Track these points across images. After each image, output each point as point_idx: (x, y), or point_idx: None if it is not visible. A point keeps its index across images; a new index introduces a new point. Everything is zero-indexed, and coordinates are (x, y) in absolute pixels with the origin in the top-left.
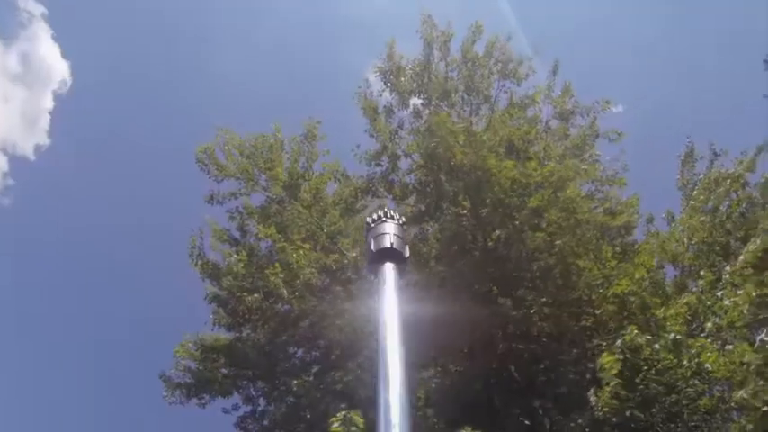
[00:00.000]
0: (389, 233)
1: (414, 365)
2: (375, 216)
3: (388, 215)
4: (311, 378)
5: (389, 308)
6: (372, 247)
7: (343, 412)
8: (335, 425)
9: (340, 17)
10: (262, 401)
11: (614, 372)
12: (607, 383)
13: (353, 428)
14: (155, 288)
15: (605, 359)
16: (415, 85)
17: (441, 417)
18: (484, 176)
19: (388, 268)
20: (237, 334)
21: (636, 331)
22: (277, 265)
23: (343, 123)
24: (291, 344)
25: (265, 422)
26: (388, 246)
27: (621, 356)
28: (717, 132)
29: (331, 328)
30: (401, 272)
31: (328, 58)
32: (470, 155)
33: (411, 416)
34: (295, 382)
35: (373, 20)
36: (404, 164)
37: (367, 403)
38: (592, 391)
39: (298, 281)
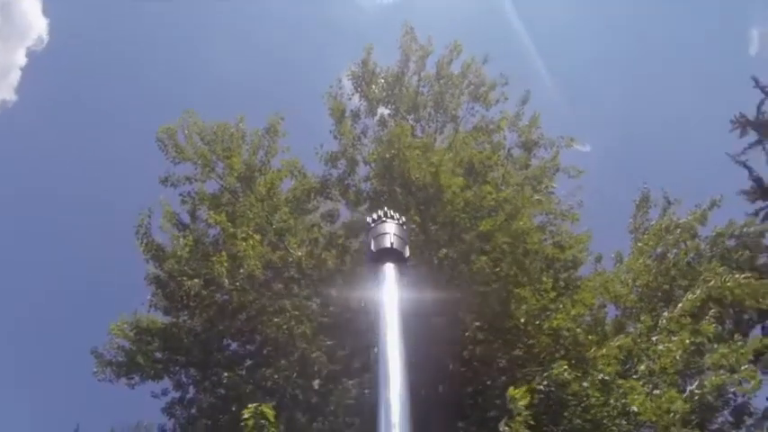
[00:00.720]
0: (390, 233)
1: (346, 373)
2: (375, 216)
3: (388, 215)
4: (243, 372)
5: (390, 308)
6: (372, 247)
7: (254, 405)
8: (246, 416)
9: (336, 18)
10: (192, 389)
11: (524, 403)
12: (518, 414)
13: (263, 422)
14: (96, 261)
15: (512, 392)
16: (385, 94)
17: (364, 426)
18: (437, 194)
19: (389, 268)
20: (174, 319)
21: (565, 367)
22: (223, 253)
23: (317, 123)
24: (227, 335)
25: (193, 410)
26: (389, 245)
27: (546, 390)
28: (680, 182)
29: (268, 325)
30: (401, 272)
31: (314, 57)
32: (426, 170)
33: (412, 416)
34: (226, 374)
35: (369, 24)
36: (363, 171)
37: (293, 403)
38: (503, 422)
39: (241, 271)
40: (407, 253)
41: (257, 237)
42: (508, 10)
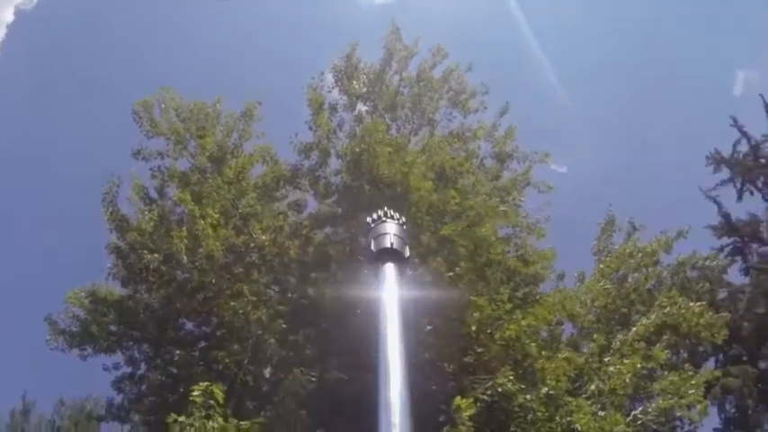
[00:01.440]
0: (390, 233)
1: (299, 362)
2: (375, 216)
3: (389, 215)
4: (196, 353)
5: (390, 307)
6: (372, 247)
7: (205, 383)
8: (196, 393)
9: (331, 15)
10: (143, 366)
11: (468, 413)
12: (462, 423)
13: (212, 402)
14: (59, 226)
15: (459, 401)
16: (365, 90)
17: (313, 416)
18: (404, 193)
19: (389, 268)
20: (132, 292)
21: (510, 378)
22: (184, 229)
23: (296, 113)
24: (183, 314)
25: (143, 387)
26: (389, 245)
27: (490, 400)
28: (654, 210)
29: (225, 307)
30: (401, 271)
31: (301, 49)
32: (397, 168)
33: (411, 414)
34: (178, 352)
35: (364, 22)
36: (335, 164)
37: (244, 389)
38: (446, 429)
39: (200, 251)
40: (407, 253)
41: (216, 216)
42: (515, 19)
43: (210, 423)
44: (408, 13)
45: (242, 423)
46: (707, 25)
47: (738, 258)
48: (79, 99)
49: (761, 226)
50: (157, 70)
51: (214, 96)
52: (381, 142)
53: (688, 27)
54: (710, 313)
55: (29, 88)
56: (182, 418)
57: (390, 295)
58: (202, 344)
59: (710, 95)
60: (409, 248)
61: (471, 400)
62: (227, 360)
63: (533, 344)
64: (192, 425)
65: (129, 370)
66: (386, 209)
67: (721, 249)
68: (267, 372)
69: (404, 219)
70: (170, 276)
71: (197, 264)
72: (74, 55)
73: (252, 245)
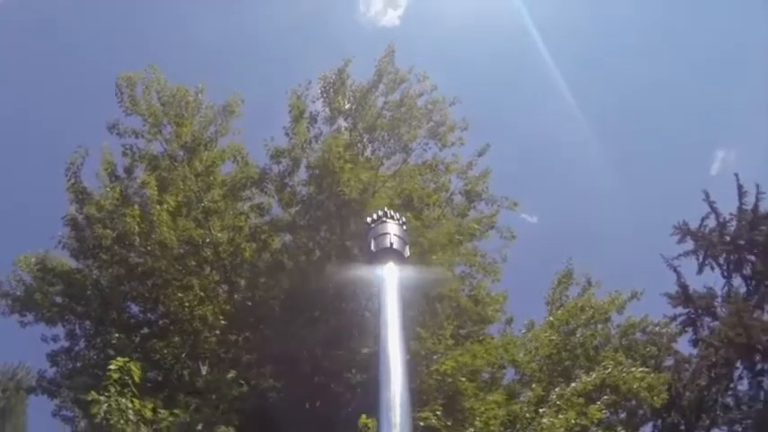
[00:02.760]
0: (390, 233)
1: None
2: (375, 216)
3: (389, 215)
4: (137, 339)
5: (390, 308)
6: (373, 247)
7: (124, 359)
8: (113, 368)
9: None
10: (82, 343)
11: None
12: None
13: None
14: (19, 191)
15: (364, 420)
16: (348, 106)
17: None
18: (360, 211)
19: (389, 268)
20: (81, 267)
21: (437, 413)
22: (137, 207)
23: (277, 119)
24: (130, 297)
25: (78, 364)
26: (389, 246)
27: None
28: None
29: (172, 298)
30: (401, 272)
31: (294, 59)
32: (353, 186)
33: (411, 415)
34: (117, 335)
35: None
36: (304, 174)
37: (178, 382)
38: None
39: (153, 236)
40: (407, 253)
41: (174, 204)
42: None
43: (124, 401)
44: (414, 38)
45: (161, 411)
46: (690, 102)
47: (690, 329)
48: (64, 60)
49: (715, 301)
50: (148, 50)
51: (190, 77)
52: (341, 157)
53: (672, 101)
54: (652, 375)
55: (12, 51)
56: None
57: (391, 295)
58: (144, 330)
59: (687, 170)
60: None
61: (376, 419)
62: (165, 351)
63: (469, 383)
64: (106, 401)
65: (66, 344)
66: (386, 209)
67: (674, 318)
68: (204, 369)
69: (404, 219)
70: (122, 257)
71: (149, 249)
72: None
73: (208, 240)
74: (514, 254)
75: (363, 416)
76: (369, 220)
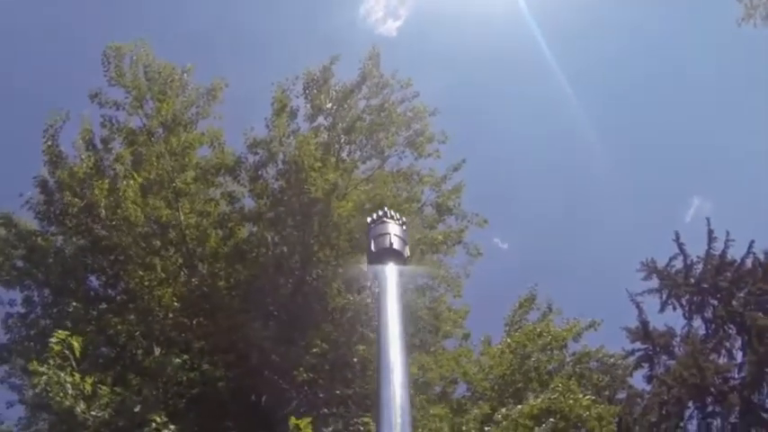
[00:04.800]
0: (390, 233)
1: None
2: (375, 216)
3: (389, 215)
4: (94, 312)
5: (390, 308)
6: (373, 247)
7: (64, 333)
8: (54, 341)
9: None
10: (39, 310)
11: None
12: None
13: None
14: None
15: (294, 420)
16: (329, 105)
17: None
18: (325, 211)
19: (389, 268)
20: (46, 231)
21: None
22: (105, 180)
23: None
24: (91, 271)
25: (32, 331)
26: (388, 246)
27: None
28: (579, 299)
29: (133, 276)
30: (401, 272)
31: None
32: (320, 186)
33: (411, 415)
34: (75, 304)
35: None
36: (278, 168)
37: (130, 361)
38: None
39: (119, 211)
40: (407, 253)
41: (140, 180)
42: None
43: (63, 374)
44: (408, 51)
45: (100, 387)
46: (671, 148)
47: (646, 365)
48: (54, 28)
49: (674, 340)
50: (143, 26)
51: (183, 63)
52: (310, 155)
53: (655, 145)
54: (602, 406)
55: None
56: (42, 368)
57: (391, 295)
58: (103, 305)
59: (663, 213)
60: (316, 267)
61: (308, 420)
62: (120, 327)
63: (420, 394)
64: (45, 373)
65: (22, 311)
66: (386, 209)
67: (632, 352)
68: (157, 350)
69: (404, 219)
70: (87, 228)
71: (115, 223)
72: None
73: (176, 222)
74: (481, 274)
75: (293, 418)
76: (369, 220)
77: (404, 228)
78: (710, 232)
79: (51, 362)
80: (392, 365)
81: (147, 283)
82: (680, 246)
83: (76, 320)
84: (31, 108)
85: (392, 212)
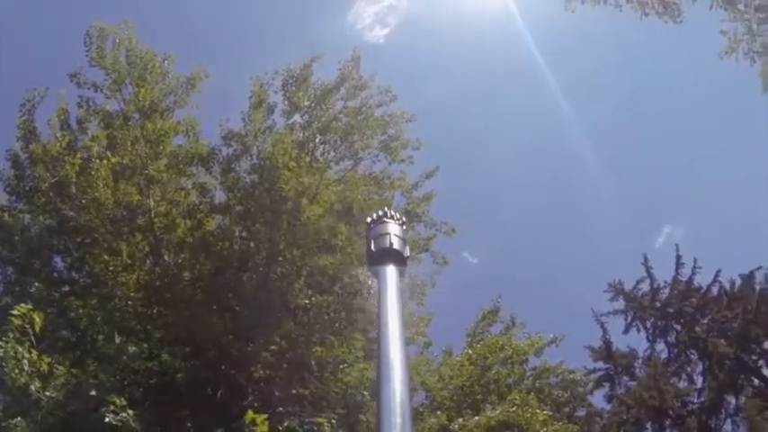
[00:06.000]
0: (390, 233)
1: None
2: (375, 216)
3: (389, 215)
4: (56, 294)
5: (390, 308)
6: (372, 248)
7: (27, 306)
8: (15, 314)
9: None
10: (1, 287)
11: (263, 430)
12: None
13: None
14: None
15: (251, 416)
16: (307, 104)
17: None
18: (295, 210)
19: (389, 268)
20: (13, 207)
21: (332, 421)
22: (77, 156)
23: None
24: (57, 251)
25: None
26: (388, 246)
27: None
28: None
29: (99, 260)
30: (401, 272)
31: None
32: (292, 187)
33: (411, 416)
34: (37, 284)
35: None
36: (251, 162)
37: (91, 346)
38: None
39: (88, 191)
40: (407, 253)
41: (114, 162)
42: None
43: (21, 349)
44: (394, 59)
45: (57, 367)
46: (643, 173)
47: (607, 385)
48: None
49: (636, 362)
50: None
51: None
52: (285, 153)
53: (625, 172)
54: (560, 423)
55: None
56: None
57: (390, 296)
58: (66, 288)
59: (633, 238)
60: (281, 265)
61: (264, 417)
62: (81, 311)
63: (373, 401)
64: (2, 347)
65: None
66: (386, 209)
67: (593, 371)
68: (118, 338)
69: (404, 218)
70: (55, 207)
71: (84, 203)
72: None
73: (145, 209)
74: (448, 286)
75: (250, 411)
76: (369, 220)
77: (404, 228)
78: (678, 258)
79: (11, 335)
80: (392, 363)
81: (111, 269)
82: (648, 269)
83: (38, 301)
84: (7, 84)
85: (392, 212)
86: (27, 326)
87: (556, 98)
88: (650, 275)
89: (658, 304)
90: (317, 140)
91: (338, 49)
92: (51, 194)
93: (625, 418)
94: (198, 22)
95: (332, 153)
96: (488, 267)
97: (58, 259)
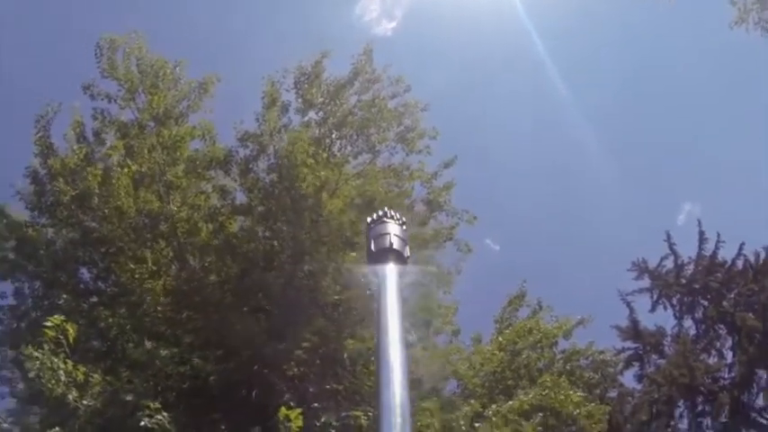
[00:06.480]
0: (390, 233)
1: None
2: (375, 216)
3: (389, 215)
4: (85, 306)
5: (391, 308)
6: (372, 247)
7: (59, 318)
8: (49, 325)
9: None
10: (30, 303)
11: (297, 425)
12: None
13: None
14: None
15: (285, 411)
16: (321, 100)
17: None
18: (315, 208)
19: (389, 268)
20: (37, 223)
21: (369, 415)
22: (99, 166)
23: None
24: (82, 263)
25: (22, 324)
26: (388, 246)
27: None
28: (572, 299)
29: (124, 269)
30: (401, 272)
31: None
32: (311, 183)
33: (411, 416)
34: (65, 297)
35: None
36: (269, 162)
37: (122, 355)
38: None
39: (111, 200)
40: (407, 253)
41: (134, 169)
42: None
43: (57, 360)
44: (403, 51)
45: (92, 375)
46: (661, 152)
47: (636, 364)
48: (45, 21)
49: (664, 340)
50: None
51: (176, 57)
52: (303, 152)
53: (646, 148)
54: (593, 404)
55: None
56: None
57: (390, 296)
58: (93, 299)
59: (653, 216)
60: (308, 264)
61: (299, 411)
62: (111, 320)
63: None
64: (39, 358)
65: (13, 302)
66: (386, 208)
67: (623, 351)
68: (148, 344)
69: (404, 218)
70: (78, 219)
71: (106, 214)
72: None
73: (167, 215)
74: (472, 274)
75: (283, 408)
76: (369, 219)
77: (404, 228)
78: (701, 233)
79: (46, 347)
80: (392, 365)
81: (137, 276)
82: (671, 246)
83: (67, 313)
84: (22, 100)
85: (392, 212)
86: (61, 337)
87: (563, 80)
88: (674, 252)
89: (684, 281)
90: (333, 136)
91: (347, 44)
92: (73, 207)
93: (656, 396)
94: (201, 23)
95: (349, 148)
96: (512, 253)
97: (83, 271)
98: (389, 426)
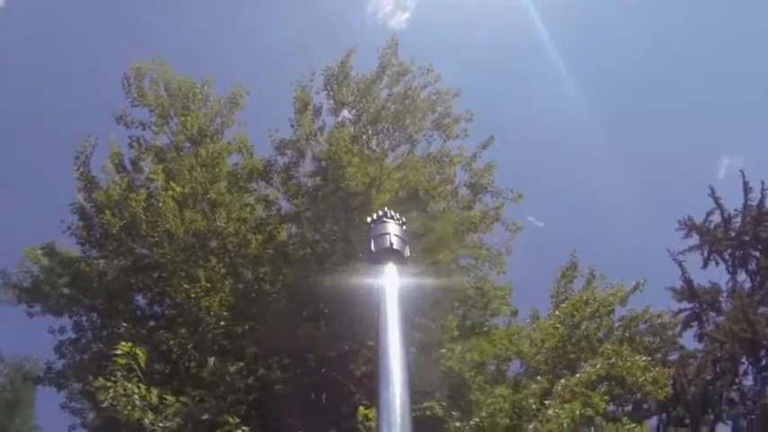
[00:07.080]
0: (390, 233)
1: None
2: (375, 216)
3: (389, 215)
4: (144, 331)
5: (390, 308)
6: (373, 248)
7: (130, 344)
8: (119, 353)
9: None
10: (90, 334)
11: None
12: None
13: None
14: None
15: (363, 411)
16: (352, 98)
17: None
18: (364, 204)
19: (389, 269)
20: (88, 256)
21: (443, 404)
22: (143, 192)
23: (282, 111)
24: (136, 290)
25: (85, 356)
26: (389, 246)
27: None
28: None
29: (179, 290)
30: (402, 272)
31: (299, 54)
32: (359, 180)
33: (410, 416)
34: (126, 325)
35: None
36: (309, 166)
37: (185, 374)
38: None
39: (159, 225)
40: (408, 253)
41: (179, 190)
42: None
43: (130, 385)
44: (421, 41)
45: (166, 397)
46: (697, 108)
47: (695, 324)
48: (74, 51)
49: (720, 296)
50: (156, 45)
51: (200, 74)
52: (347, 151)
53: (681, 105)
54: (657, 368)
55: (29, 36)
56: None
57: (390, 297)
58: (152, 323)
59: (694, 172)
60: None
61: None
62: (172, 342)
63: (475, 376)
64: (112, 387)
65: (74, 336)
66: (386, 209)
67: (679, 312)
68: (211, 361)
69: (404, 219)
70: (128, 248)
71: (156, 238)
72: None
73: (214, 232)
74: (520, 252)
75: (361, 408)
76: (369, 220)
77: (404, 228)
78: (746, 184)
79: (118, 374)
80: (392, 367)
81: (193, 295)
82: (716, 200)
83: (128, 340)
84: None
85: (392, 212)
86: (132, 362)
87: (596, 50)
88: (719, 206)
89: (733, 234)
90: (369, 132)
91: (364, 38)
92: (122, 236)
93: (719, 354)
94: (213, 27)
95: (387, 142)
96: (556, 228)
97: (138, 297)
98: (389, 426)
